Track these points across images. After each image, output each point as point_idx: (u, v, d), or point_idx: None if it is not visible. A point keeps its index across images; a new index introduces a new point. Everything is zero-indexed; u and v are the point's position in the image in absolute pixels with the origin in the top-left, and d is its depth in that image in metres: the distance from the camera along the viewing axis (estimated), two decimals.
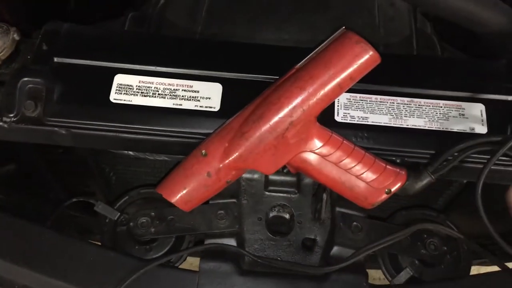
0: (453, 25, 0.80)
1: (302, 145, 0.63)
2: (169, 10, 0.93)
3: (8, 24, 0.71)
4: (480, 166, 0.64)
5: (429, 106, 0.70)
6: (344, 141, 0.65)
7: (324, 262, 0.73)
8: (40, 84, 0.68)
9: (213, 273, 0.69)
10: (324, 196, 0.68)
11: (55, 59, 0.71)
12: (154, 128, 0.68)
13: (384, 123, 0.69)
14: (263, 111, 0.61)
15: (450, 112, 0.69)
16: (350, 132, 0.68)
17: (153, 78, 0.70)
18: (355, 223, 0.76)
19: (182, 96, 0.69)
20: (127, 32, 0.90)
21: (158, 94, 0.69)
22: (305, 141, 0.63)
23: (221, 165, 0.63)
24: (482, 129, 0.68)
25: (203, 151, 0.64)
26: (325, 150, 0.64)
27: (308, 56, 0.62)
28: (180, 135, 0.68)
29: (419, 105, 0.70)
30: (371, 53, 0.59)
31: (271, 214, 0.75)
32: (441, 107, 0.70)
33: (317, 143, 0.64)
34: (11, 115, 0.67)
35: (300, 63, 0.62)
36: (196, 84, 0.70)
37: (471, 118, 0.69)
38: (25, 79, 0.68)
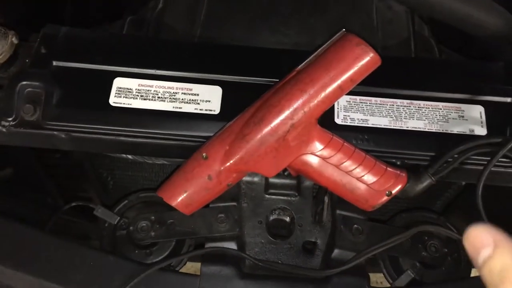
0: (450, 27, 0.81)
1: (303, 148, 0.63)
2: (167, 14, 0.93)
3: (6, 28, 0.70)
4: (481, 167, 0.64)
5: (429, 108, 0.70)
6: (345, 144, 0.65)
7: (325, 265, 0.73)
8: (39, 88, 0.68)
9: (214, 277, 0.69)
10: (326, 198, 0.68)
11: (54, 63, 0.71)
12: (154, 131, 0.68)
13: (384, 125, 0.69)
14: (264, 114, 0.61)
15: (450, 114, 0.70)
16: (350, 135, 0.68)
17: (152, 81, 0.70)
18: (355, 225, 0.76)
19: (182, 99, 0.69)
20: (126, 36, 0.90)
21: (158, 97, 0.69)
22: (306, 144, 0.63)
23: (222, 168, 0.63)
24: (481, 131, 0.68)
25: (204, 154, 0.63)
26: (326, 153, 0.64)
27: (309, 59, 0.62)
28: (180, 139, 0.68)
29: (418, 107, 0.70)
30: (371, 55, 0.59)
31: (271, 217, 0.75)
32: (441, 109, 0.70)
33: (318, 146, 0.64)
34: (10, 119, 0.67)
35: (301, 65, 0.62)
36: (196, 87, 0.70)
37: (471, 120, 0.69)
38: (24, 82, 0.68)
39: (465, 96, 0.71)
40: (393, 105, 0.70)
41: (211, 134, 0.66)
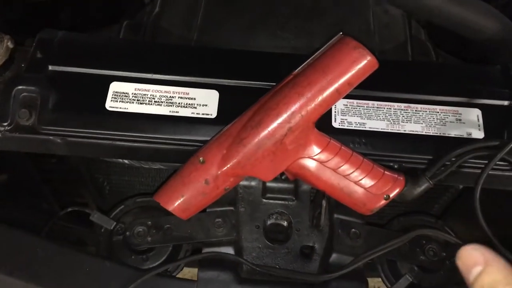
0: (447, 31, 0.81)
1: (300, 151, 0.63)
2: (164, 18, 0.93)
3: (2, 32, 0.70)
4: (478, 171, 0.64)
5: (426, 111, 0.70)
6: (342, 147, 0.64)
7: (323, 269, 0.72)
8: (35, 93, 0.68)
9: (211, 282, 0.68)
10: (323, 202, 0.67)
11: (50, 67, 0.70)
12: (151, 135, 0.68)
13: (381, 128, 0.69)
14: (262, 117, 0.61)
15: (447, 117, 0.69)
16: (348, 138, 0.68)
17: (149, 85, 0.70)
18: (353, 229, 0.76)
19: (179, 103, 0.69)
20: (122, 40, 0.90)
21: (155, 101, 0.69)
22: (303, 147, 0.63)
23: (219, 172, 0.63)
24: (479, 134, 0.68)
25: (201, 158, 0.63)
26: (323, 156, 0.63)
27: (306, 62, 0.62)
28: (177, 143, 0.68)
29: (416, 110, 0.70)
30: (369, 58, 0.59)
31: (269, 222, 0.75)
32: (438, 112, 0.70)
33: (315, 149, 0.63)
34: (5, 124, 0.67)
35: (298, 69, 0.62)
36: (193, 91, 0.70)
37: (468, 123, 0.69)
38: (19, 87, 0.68)
39: (462, 99, 0.71)
40: (390, 108, 0.70)
41: (208, 138, 0.66)
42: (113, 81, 0.70)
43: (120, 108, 0.68)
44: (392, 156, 0.68)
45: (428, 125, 0.69)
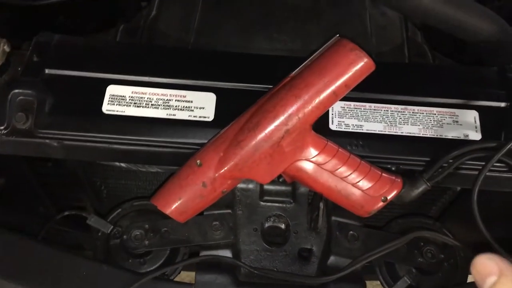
0: (444, 33, 0.81)
1: (297, 154, 0.63)
2: (161, 21, 0.93)
3: None
4: (475, 172, 0.64)
5: (423, 113, 0.70)
6: (340, 149, 0.64)
7: (321, 272, 0.72)
8: (31, 96, 0.67)
9: (209, 285, 0.68)
10: (321, 205, 0.67)
11: (46, 71, 0.70)
12: (148, 139, 0.67)
13: (378, 130, 0.69)
14: (259, 120, 0.61)
15: (444, 119, 0.70)
16: (345, 140, 0.68)
17: (146, 88, 0.70)
18: (351, 232, 0.76)
19: (176, 106, 0.69)
20: (119, 43, 0.90)
21: (151, 104, 0.69)
22: (300, 150, 0.63)
23: (216, 175, 0.63)
24: (476, 135, 0.68)
25: (198, 161, 0.63)
26: (320, 159, 0.63)
27: (303, 64, 0.62)
28: (174, 146, 0.68)
29: (413, 112, 0.70)
30: (365, 60, 0.59)
31: (266, 224, 0.75)
32: (435, 114, 0.70)
33: (312, 152, 0.63)
34: (2, 127, 0.66)
35: (295, 71, 0.62)
36: (190, 94, 0.70)
37: (465, 124, 0.69)
38: (16, 91, 0.67)
39: (459, 101, 0.71)
40: (387, 110, 0.70)
41: (205, 141, 0.66)
42: (109, 84, 0.70)
43: (117, 111, 0.68)
44: (389, 158, 0.68)
45: (425, 127, 0.69)
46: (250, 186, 0.75)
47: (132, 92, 0.69)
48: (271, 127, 0.60)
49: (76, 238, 1.03)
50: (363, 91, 0.68)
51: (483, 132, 0.69)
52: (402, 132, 0.69)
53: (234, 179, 0.65)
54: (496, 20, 0.79)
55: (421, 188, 0.65)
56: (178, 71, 0.71)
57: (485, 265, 0.42)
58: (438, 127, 0.69)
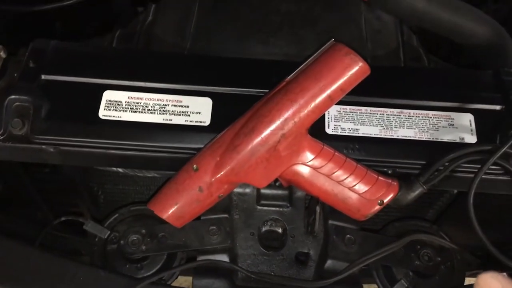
0: (439, 37, 0.82)
1: (294, 158, 0.63)
2: (157, 27, 0.93)
3: None
4: (471, 175, 0.64)
5: (419, 116, 0.70)
6: (336, 153, 0.65)
7: (318, 276, 0.72)
8: (27, 102, 0.67)
9: None
10: (317, 208, 0.67)
11: (43, 76, 0.70)
12: (144, 144, 0.67)
13: (374, 134, 0.69)
14: (255, 124, 0.61)
15: (440, 123, 0.70)
16: (341, 144, 0.68)
17: (142, 93, 0.70)
18: (348, 235, 0.76)
19: (172, 111, 0.69)
20: (115, 48, 0.90)
21: (148, 109, 0.69)
22: (297, 154, 0.63)
23: (213, 179, 0.63)
24: (471, 138, 0.69)
25: (195, 166, 0.63)
26: (317, 162, 0.64)
27: (298, 69, 0.62)
28: (170, 151, 0.68)
29: (408, 116, 0.70)
30: (361, 64, 0.59)
31: (263, 229, 0.75)
32: (431, 117, 0.70)
33: (309, 156, 0.63)
34: None
35: (291, 75, 0.62)
36: (186, 99, 0.70)
37: (461, 128, 0.69)
38: (12, 97, 0.67)
39: (454, 104, 0.71)
40: (383, 114, 0.70)
41: (202, 146, 0.66)
42: (106, 90, 0.70)
43: (114, 116, 0.68)
44: (385, 161, 0.68)
45: (421, 130, 0.69)
46: (247, 190, 0.75)
47: (128, 97, 0.70)
48: (267, 131, 0.60)
49: (73, 244, 1.02)
50: (359, 95, 0.68)
51: (478, 135, 0.69)
52: (398, 136, 0.69)
53: (231, 184, 0.65)
54: (491, 23, 0.80)
55: (417, 191, 0.65)
56: (175, 76, 0.71)
57: (488, 284, 0.43)
58: (434, 130, 0.69)
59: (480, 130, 0.69)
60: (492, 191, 0.70)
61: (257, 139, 0.60)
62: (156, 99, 0.70)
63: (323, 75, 0.59)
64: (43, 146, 0.67)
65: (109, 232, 0.81)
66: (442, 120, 0.70)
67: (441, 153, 0.65)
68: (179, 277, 0.82)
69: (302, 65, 0.63)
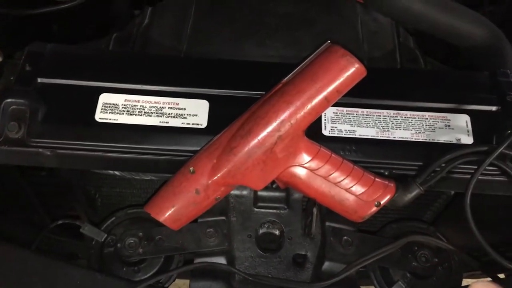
0: (435, 38, 0.82)
1: (290, 160, 0.63)
2: (153, 30, 0.93)
3: None
4: (468, 176, 0.64)
5: (415, 118, 0.70)
6: (333, 155, 0.65)
7: (315, 277, 0.72)
8: (24, 105, 0.67)
9: None
10: (315, 210, 0.67)
11: (39, 80, 0.70)
12: (141, 146, 0.67)
13: (371, 136, 0.69)
14: (251, 126, 0.61)
15: (436, 124, 0.70)
16: (338, 146, 0.68)
17: (138, 96, 0.70)
18: (345, 237, 0.76)
19: (169, 113, 0.69)
20: (111, 51, 0.90)
21: (144, 112, 0.69)
22: (293, 156, 0.63)
23: (209, 182, 0.63)
24: (468, 139, 0.69)
25: (191, 168, 0.63)
26: (313, 164, 0.64)
27: (295, 71, 0.62)
28: (167, 153, 0.68)
29: (405, 117, 0.70)
30: (357, 66, 0.59)
31: (260, 231, 0.75)
32: (427, 118, 0.70)
33: (305, 157, 0.63)
34: None
35: (287, 77, 0.63)
36: (183, 102, 0.70)
37: (457, 129, 0.69)
38: (8, 100, 0.67)
39: (451, 105, 0.71)
40: (380, 115, 0.70)
41: (199, 148, 0.66)
42: (102, 93, 0.70)
43: (110, 119, 0.68)
44: (382, 163, 0.68)
45: (417, 131, 0.69)
46: (244, 192, 0.75)
47: (125, 100, 0.69)
48: (264, 133, 0.60)
49: (70, 247, 1.02)
50: (355, 96, 0.69)
51: (475, 136, 0.69)
52: (394, 137, 0.69)
53: (228, 186, 0.65)
54: (488, 25, 0.80)
55: (414, 192, 0.65)
56: (171, 78, 0.71)
57: None
58: (430, 131, 0.69)
59: (476, 131, 0.69)
60: (489, 192, 0.70)
61: (254, 141, 0.60)
62: (152, 102, 0.70)
63: (319, 77, 0.59)
64: (40, 150, 0.67)
65: (106, 235, 0.81)
66: (438, 121, 0.70)
67: (437, 154, 0.65)
68: (176, 280, 0.82)
69: (299, 67, 0.63)
